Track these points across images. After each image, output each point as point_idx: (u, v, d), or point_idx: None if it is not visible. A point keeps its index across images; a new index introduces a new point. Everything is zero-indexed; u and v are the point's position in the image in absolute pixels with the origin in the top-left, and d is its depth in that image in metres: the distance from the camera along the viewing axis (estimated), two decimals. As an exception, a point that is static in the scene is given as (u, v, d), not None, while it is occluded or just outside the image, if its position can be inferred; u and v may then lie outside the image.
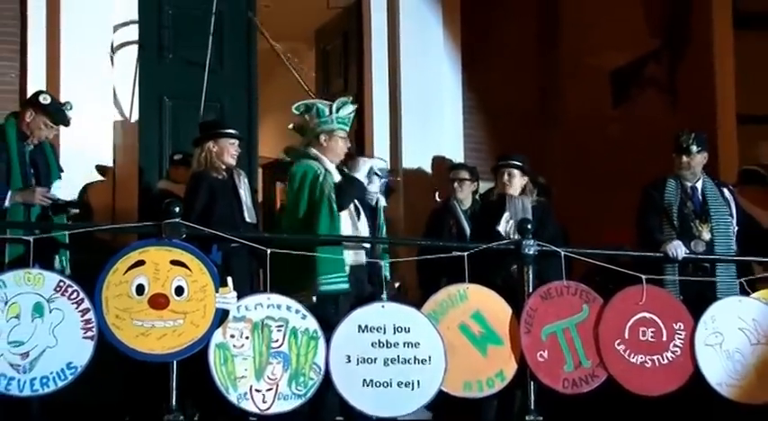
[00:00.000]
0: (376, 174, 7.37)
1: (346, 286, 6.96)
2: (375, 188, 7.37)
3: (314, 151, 7.24)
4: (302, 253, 6.91)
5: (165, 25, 8.79)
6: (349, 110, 7.33)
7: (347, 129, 7.44)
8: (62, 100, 7.37)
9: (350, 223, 7.20)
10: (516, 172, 7.96)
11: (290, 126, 7.42)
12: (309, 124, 7.27)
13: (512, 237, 7.57)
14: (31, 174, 7.01)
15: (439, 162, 9.13)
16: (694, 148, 7.80)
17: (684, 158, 7.81)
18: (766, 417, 7.36)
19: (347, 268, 6.97)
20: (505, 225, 7.76)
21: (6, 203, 6.82)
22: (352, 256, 7.10)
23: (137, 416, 6.97)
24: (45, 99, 7.13)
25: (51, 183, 7.06)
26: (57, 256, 7.01)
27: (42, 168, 7.09)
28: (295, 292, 6.85)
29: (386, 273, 7.22)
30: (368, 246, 7.25)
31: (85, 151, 8.08)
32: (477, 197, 8.55)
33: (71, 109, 7.25)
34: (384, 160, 7.60)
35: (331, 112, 7.26)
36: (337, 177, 7.17)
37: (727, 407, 7.30)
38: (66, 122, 7.23)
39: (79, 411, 6.70)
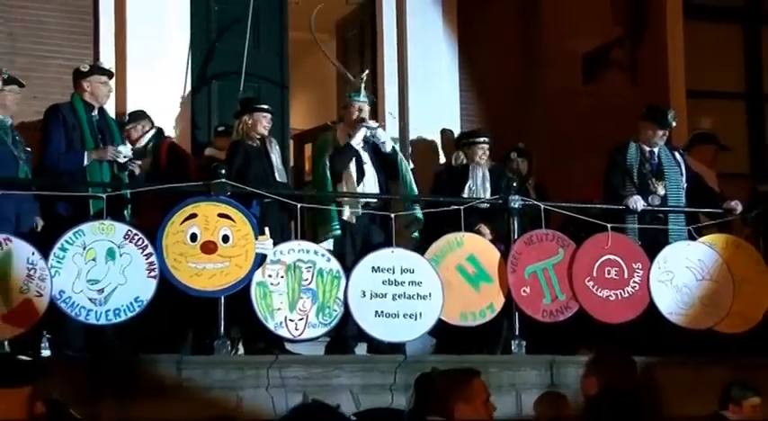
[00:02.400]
0: (372, 136, 7.44)
1: (338, 233, 7.14)
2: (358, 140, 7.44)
3: (333, 123, 7.39)
4: (316, 206, 7.15)
5: (211, 18, 8.77)
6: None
7: (358, 100, 7.49)
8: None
9: (352, 180, 7.29)
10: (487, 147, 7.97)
11: None
12: None
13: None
14: (99, 139, 6.98)
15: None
16: (672, 122, 7.82)
17: (661, 131, 7.79)
18: (706, 339, 7.42)
19: (341, 219, 7.19)
20: (468, 191, 7.78)
21: (85, 162, 6.83)
22: (347, 211, 7.19)
23: (194, 341, 7.01)
24: (84, 67, 7.12)
25: (117, 143, 7.02)
26: (125, 209, 7.03)
27: (107, 134, 7.05)
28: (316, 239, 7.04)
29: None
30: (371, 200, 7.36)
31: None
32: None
33: (103, 64, 7.32)
34: (376, 124, 7.64)
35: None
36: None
37: (676, 331, 7.36)
38: (111, 73, 7.23)
39: (146, 338, 6.75)
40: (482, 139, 7.94)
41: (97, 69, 7.13)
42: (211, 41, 8.77)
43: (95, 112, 7.04)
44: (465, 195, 7.69)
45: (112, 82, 7.27)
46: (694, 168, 8.11)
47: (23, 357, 3.24)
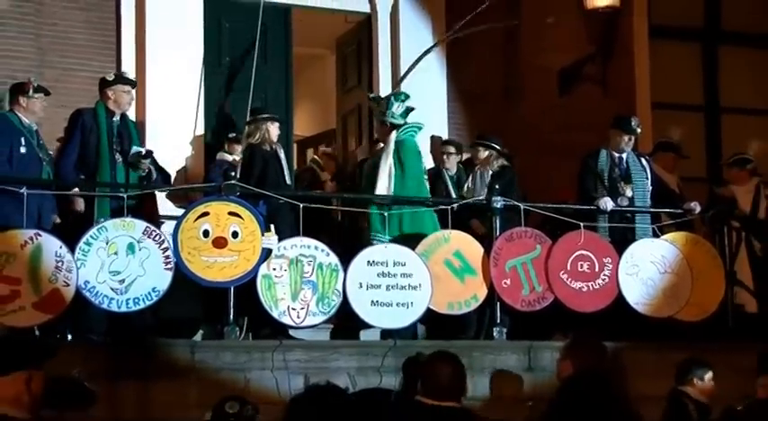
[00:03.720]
0: None
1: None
2: None
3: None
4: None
5: (223, 35, 8.76)
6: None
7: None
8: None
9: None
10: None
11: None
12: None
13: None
14: (117, 142, 6.91)
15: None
16: (637, 129, 7.83)
17: (627, 137, 7.79)
18: (667, 326, 7.44)
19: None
20: (466, 190, 7.82)
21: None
22: None
23: (206, 328, 7.00)
24: (110, 76, 7.11)
25: (132, 147, 6.99)
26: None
27: (125, 137, 6.99)
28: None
29: None
30: None
31: (166, 130, 8.09)
32: (460, 165, 8.52)
33: (127, 74, 7.30)
34: None
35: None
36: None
37: (641, 319, 7.37)
38: (134, 83, 7.23)
39: (164, 324, 6.75)
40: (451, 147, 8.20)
41: (121, 79, 7.12)
42: (223, 56, 8.76)
43: (116, 118, 7.00)
44: (465, 193, 7.78)
45: (134, 91, 7.26)
46: (658, 173, 8.13)
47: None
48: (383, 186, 7.19)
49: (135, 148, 6.93)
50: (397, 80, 8.99)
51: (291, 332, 6.88)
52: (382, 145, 7.48)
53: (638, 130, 7.83)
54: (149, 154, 7.03)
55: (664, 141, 8.85)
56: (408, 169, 7.27)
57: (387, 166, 7.24)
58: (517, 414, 5.45)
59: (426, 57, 9.06)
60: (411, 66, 8.19)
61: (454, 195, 7.91)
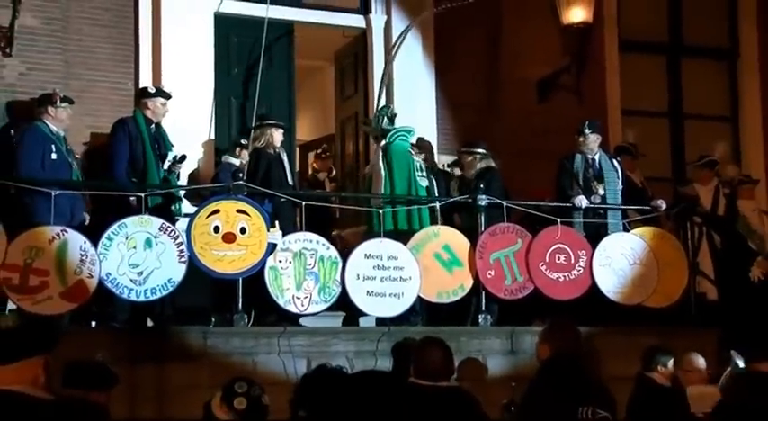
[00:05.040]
0: None
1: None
2: None
3: None
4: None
5: (231, 49, 8.73)
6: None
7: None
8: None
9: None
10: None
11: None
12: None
13: None
14: (156, 148, 7.03)
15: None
16: (587, 131, 7.82)
17: (581, 138, 7.82)
18: (636, 313, 7.43)
19: None
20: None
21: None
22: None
23: (217, 316, 6.98)
24: (152, 89, 7.21)
25: (168, 151, 7.09)
26: (173, 204, 7.06)
27: (161, 143, 7.11)
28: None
29: None
30: None
31: (180, 135, 8.04)
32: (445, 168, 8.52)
33: (166, 88, 7.34)
34: None
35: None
36: None
37: (612, 306, 7.37)
38: (170, 96, 7.27)
39: (180, 312, 6.73)
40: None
41: (161, 93, 7.19)
42: (231, 68, 8.73)
43: (153, 126, 7.10)
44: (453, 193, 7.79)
45: (168, 103, 7.27)
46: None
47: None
48: (378, 188, 7.22)
49: (171, 153, 7.02)
50: (390, 89, 8.96)
51: (303, 320, 6.87)
52: None
53: (587, 131, 7.79)
54: (183, 158, 7.12)
55: (619, 145, 8.88)
56: (396, 170, 7.27)
57: (379, 171, 7.27)
58: (502, 393, 5.44)
59: (417, 69, 9.07)
60: (400, 36, 8.15)
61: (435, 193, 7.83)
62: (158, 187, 7.01)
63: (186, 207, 7.23)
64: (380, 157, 7.30)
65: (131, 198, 6.64)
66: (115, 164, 6.91)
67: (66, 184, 6.63)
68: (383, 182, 7.24)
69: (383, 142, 7.39)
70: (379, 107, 7.89)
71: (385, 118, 7.46)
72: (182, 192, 7.22)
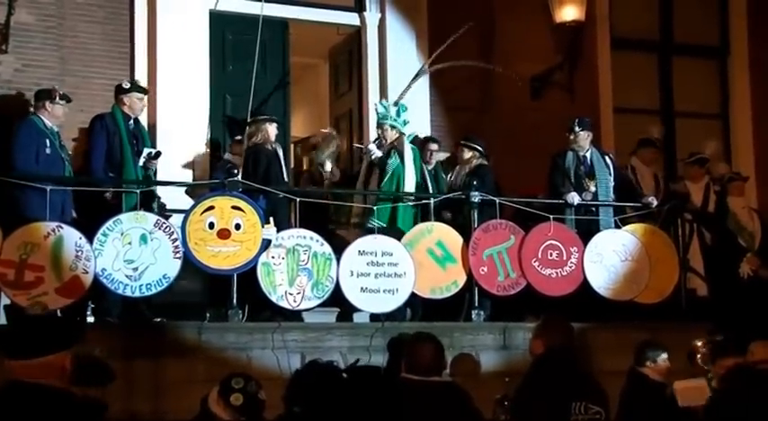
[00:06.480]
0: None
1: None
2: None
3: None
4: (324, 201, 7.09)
5: (226, 46, 8.71)
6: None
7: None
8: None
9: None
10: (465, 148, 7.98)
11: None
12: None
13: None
14: (134, 143, 6.99)
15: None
16: (577, 129, 7.83)
17: (572, 136, 7.83)
18: (628, 308, 7.45)
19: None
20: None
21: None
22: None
23: (212, 311, 6.97)
24: (126, 84, 7.15)
25: (144, 148, 7.03)
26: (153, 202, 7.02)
27: (140, 139, 7.07)
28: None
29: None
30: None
31: (176, 132, 8.05)
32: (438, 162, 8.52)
33: (140, 82, 7.29)
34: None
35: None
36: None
37: (604, 302, 7.38)
38: (147, 91, 7.25)
39: (174, 307, 6.73)
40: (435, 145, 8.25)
41: (136, 87, 7.14)
42: (227, 65, 8.71)
43: (131, 122, 7.05)
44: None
45: (146, 98, 7.25)
46: (637, 167, 8.20)
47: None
48: (410, 184, 7.34)
49: (146, 150, 6.94)
50: (384, 86, 8.96)
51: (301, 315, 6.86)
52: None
53: (577, 129, 7.80)
54: (158, 154, 7.05)
55: (643, 138, 8.84)
56: (413, 167, 7.41)
57: (410, 166, 7.38)
58: (495, 389, 5.44)
59: (411, 67, 9.04)
60: (404, 90, 8.21)
61: (431, 189, 7.85)
62: (155, 184, 6.97)
63: (179, 204, 7.21)
64: (411, 157, 7.40)
65: (122, 193, 6.62)
66: (92, 158, 6.89)
67: (61, 181, 6.61)
68: (398, 176, 7.32)
69: (406, 142, 7.49)
70: (401, 104, 7.85)
71: (404, 116, 7.61)
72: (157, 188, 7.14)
